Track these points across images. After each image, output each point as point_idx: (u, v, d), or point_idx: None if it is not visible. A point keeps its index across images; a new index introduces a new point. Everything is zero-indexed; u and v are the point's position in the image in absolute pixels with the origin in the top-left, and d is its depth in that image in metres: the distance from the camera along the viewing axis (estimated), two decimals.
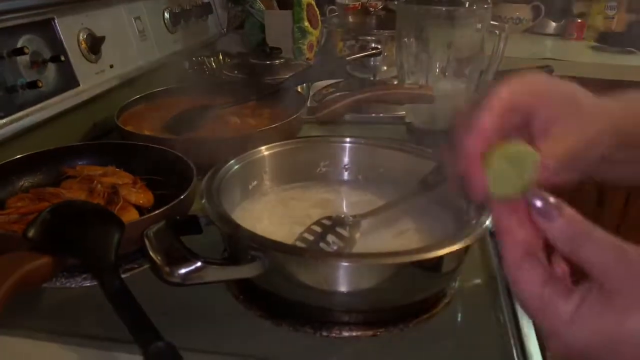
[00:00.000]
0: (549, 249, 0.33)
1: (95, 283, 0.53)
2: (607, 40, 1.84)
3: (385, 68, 1.28)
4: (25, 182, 0.71)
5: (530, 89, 0.38)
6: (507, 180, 0.33)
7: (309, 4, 1.33)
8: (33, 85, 0.79)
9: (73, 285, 0.57)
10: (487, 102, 0.37)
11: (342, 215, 0.57)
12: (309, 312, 0.51)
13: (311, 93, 1.18)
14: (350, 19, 1.41)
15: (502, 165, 0.33)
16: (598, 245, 0.30)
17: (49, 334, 0.50)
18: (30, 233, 0.51)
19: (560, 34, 2.07)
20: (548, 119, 0.38)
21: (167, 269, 0.43)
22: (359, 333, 0.50)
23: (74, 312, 0.54)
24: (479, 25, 0.88)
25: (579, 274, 0.32)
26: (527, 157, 0.33)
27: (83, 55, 0.93)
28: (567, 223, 0.31)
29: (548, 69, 1.24)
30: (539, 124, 0.38)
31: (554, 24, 2.09)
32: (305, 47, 1.35)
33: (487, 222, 0.50)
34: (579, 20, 2.02)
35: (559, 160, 0.36)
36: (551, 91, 0.38)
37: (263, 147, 0.66)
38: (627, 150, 0.42)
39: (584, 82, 0.39)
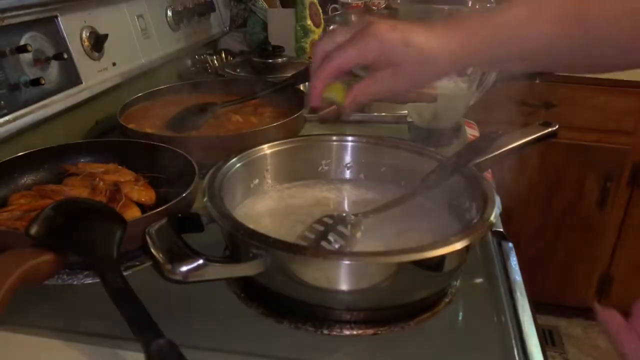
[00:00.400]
0: None
1: (98, 280, 0.53)
2: None
3: None
4: (27, 180, 0.71)
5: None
6: (333, 93, 0.52)
7: (311, 3, 1.33)
8: (36, 82, 0.79)
9: (75, 283, 0.57)
10: (335, 59, 0.49)
11: (344, 214, 0.57)
12: (310, 310, 0.51)
13: None
14: (353, 17, 1.41)
15: (331, 87, 0.52)
16: None
17: (51, 331, 0.50)
18: (33, 230, 0.51)
19: None
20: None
21: (168, 266, 0.44)
22: (360, 332, 0.50)
23: (76, 309, 0.54)
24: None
25: None
26: (344, 86, 0.52)
27: (86, 53, 0.93)
28: None
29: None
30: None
31: None
32: (307, 45, 1.35)
33: (491, 218, 0.50)
34: None
35: (366, 97, 0.52)
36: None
37: (265, 146, 0.66)
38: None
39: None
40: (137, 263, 0.60)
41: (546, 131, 0.69)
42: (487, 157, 0.66)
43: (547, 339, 1.93)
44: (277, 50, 1.22)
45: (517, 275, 0.60)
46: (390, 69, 0.49)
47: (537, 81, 1.30)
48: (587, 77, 1.59)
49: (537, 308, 0.55)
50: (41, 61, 0.82)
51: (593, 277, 1.87)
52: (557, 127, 0.70)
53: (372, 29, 0.48)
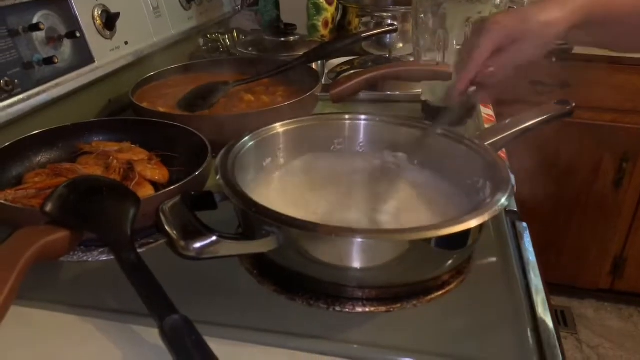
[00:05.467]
0: None
1: (112, 257, 0.54)
2: None
3: (401, 45, 1.26)
4: (42, 158, 0.72)
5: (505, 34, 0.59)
6: None
7: None
8: (49, 61, 0.79)
9: (90, 259, 0.58)
10: (475, 53, 0.59)
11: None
12: (323, 288, 0.51)
13: (326, 70, 1.17)
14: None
15: None
16: None
17: (66, 307, 0.51)
18: (48, 207, 0.52)
19: None
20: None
21: (182, 243, 0.44)
22: (372, 309, 0.50)
23: (91, 286, 0.55)
24: (498, 1, 0.86)
25: None
26: None
27: (98, 31, 0.93)
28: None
29: (567, 47, 1.22)
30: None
31: None
32: (320, 23, 1.34)
33: (503, 200, 0.50)
34: None
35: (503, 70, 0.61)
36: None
37: (277, 124, 0.66)
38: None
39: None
40: (151, 241, 0.60)
41: (562, 109, 0.68)
42: (502, 135, 0.65)
43: (559, 319, 1.93)
44: (289, 29, 1.21)
45: (530, 256, 0.59)
46: (516, 44, 0.59)
47: (554, 60, 1.28)
48: (604, 56, 1.56)
49: (549, 289, 0.55)
50: (54, 40, 0.82)
51: (607, 259, 1.86)
52: (573, 105, 0.69)
53: (492, 20, 0.60)
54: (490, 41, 0.59)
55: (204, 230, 0.45)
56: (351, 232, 0.45)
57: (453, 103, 0.64)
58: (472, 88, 0.63)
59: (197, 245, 0.43)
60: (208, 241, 0.44)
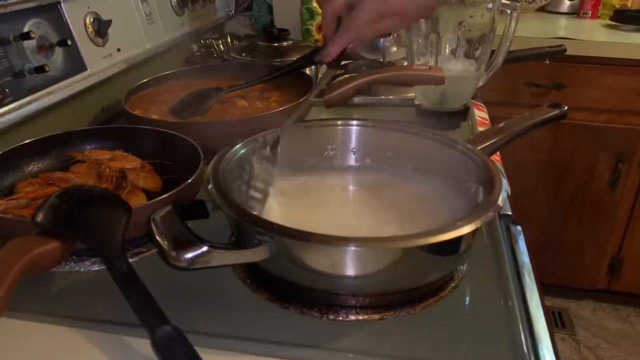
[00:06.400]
0: None
1: (104, 267, 0.54)
2: (622, 18, 1.80)
3: (394, 49, 1.26)
4: (34, 167, 0.71)
5: None
6: None
7: None
8: (40, 69, 0.79)
9: (81, 270, 0.57)
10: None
11: None
12: (316, 296, 0.51)
13: (319, 75, 1.17)
14: None
15: None
16: None
17: (57, 318, 0.50)
18: (39, 218, 0.51)
19: (574, 12, 2.02)
20: None
21: (173, 253, 0.43)
22: (365, 317, 0.50)
23: (83, 296, 0.54)
24: (490, 5, 0.86)
25: None
26: None
27: (90, 39, 0.93)
28: None
29: (561, 48, 1.22)
30: None
31: (567, 2, 2.04)
32: (313, 28, 1.34)
33: (496, 205, 0.49)
34: None
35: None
36: None
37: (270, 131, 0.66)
38: None
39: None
40: (144, 250, 0.60)
41: (555, 113, 0.68)
42: (494, 139, 0.65)
43: (556, 321, 1.93)
44: (283, 34, 1.21)
45: (525, 258, 0.59)
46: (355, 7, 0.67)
47: (547, 61, 1.28)
48: (598, 57, 1.57)
49: (546, 290, 0.55)
50: (45, 48, 0.82)
51: (603, 259, 1.86)
52: (566, 108, 0.69)
53: None
54: (328, 11, 0.69)
55: (195, 240, 0.44)
56: (345, 241, 0.45)
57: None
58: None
59: (189, 255, 0.43)
60: (199, 251, 0.43)
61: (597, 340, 1.85)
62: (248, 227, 0.48)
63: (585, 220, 1.81)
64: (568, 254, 1.88)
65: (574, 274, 1.92)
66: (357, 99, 1.01)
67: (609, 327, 1.91)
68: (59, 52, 0.85)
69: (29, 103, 0.78)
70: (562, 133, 1.70)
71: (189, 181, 0.60)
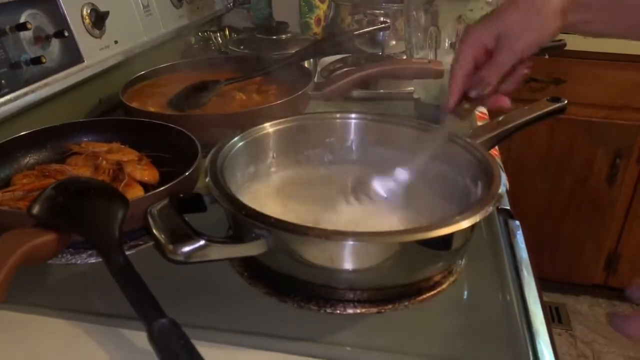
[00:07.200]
0: None
1: (100, 260, 0.53)
2: None
3: (393, 42, 1.26)
4: (30, 159, 0.71)
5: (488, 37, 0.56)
6: None
7: None
8: (37, 61, 0.78)
9: (78, 262, 0.57)
10: (455, 69, 0.57)
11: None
12: (314, 290, 0.51)
13: (318, 68, 1.16)
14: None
15: None
16: None
17: (54, 310, 0.50)
18: (35, 210, 0.51)
19: None
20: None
21: (170, 247, 0.43)
22: (363, 310, 0.50)
23: (79, 289, 0.54)
24: None
25: None
26: None
27: (87, 30, 0.92)
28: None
29: (561, 43, 1.22)
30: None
31: None
32: (312, 21, 1.33)
33: (494, 199, 0.49)
34: None
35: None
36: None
37: (267, 124, 0.65)
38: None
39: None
40: (141, 242, 0.60)
41: (555, 106, 0.68)
42: (494, 133, 0.65)
43: (553, 316, 1.94)
44: (282, 26, 1.20)
45: (523, 253, 0.59)
46: (501, 38, 0.55)
47: (546, 56, 1.28)
48: (596, 53, 1.56)
49: (544, 285, 0.55)
50: (42, 39, 0.81)
51: (601, 255, 1.87)
52: (566, 102, 0.68)
53: (467, 30, 0.57)
54: (467, 49, 0.56)
55: (192, 234, 0.44)
56: (342, 235, 0.45)
57: (444, 119, 0.62)
58: (466, 105, 0.59)
59: (186, 249, 0.43)
60: (196, 245, 0.43)
61: (593, 336, 1.86)
62: (246, 221, 0.48)
63: (582, 215, 1.81)
64: (565, 250, 1.88)
65: (571, 270, 1.92)
66: (356, 93, 1.01)
67: (606, 322, 1.91)
68: (55, 43, 0.84)
69: (25, 94, 0.77)
70: (560, 128, 1.69)
71: (187, 174, 0.60)
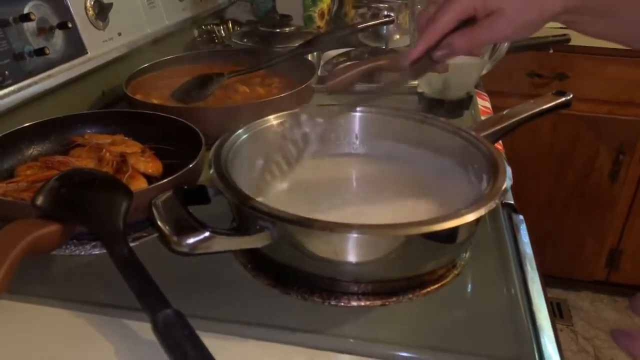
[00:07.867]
0: None
1: (105, 251, 0.53)
2: None
3: (397, 36, 1.25)
4: (34, 150, 0.71)
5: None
6: None
7: None
8: (40, 52, 0.78)
9: (82, 253, 0.57)
10: (439, 18, 0.51)
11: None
12: (318, 282, 0.51)
13: (322, 62, 1.16)
14: None
15: None
16: None
17: (58, 301, 0.50)
18: (39, 201, 0.51)
19: None
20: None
21: (174, 238, 0.43)
22: (367, 303, 0.50)
23: (83, 280, 0.54)
24: None
25: None
26: None
27: (90, 22, 0.91)
28: None
29: (565, 38, 1.21)
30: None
31: None
32: (316, 14, 1.33)
33: (500, 193, 0.49)
34: None
35: (471, 46, 0.51)
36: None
37: (271, 117, 0.65)
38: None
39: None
40: (145, 234, 0.60)
41: (560, 100, 0.68)
42: (498, 127, 0.64)
43: (555, 311, 1.94)
44: (285, 19, 1.20)
45: (527, 248, 0.59)
46: (493, 15, 0.49)
47: (551, 51, 1.27)
48: (600, 48, 1.55)
49: (545, 281, 0.55)
50: (45, 30, 0.81)
51: (603, 251, 1.86)
52: (571, 96, 0.68)
53: None
54: (460, 8, 0.50)
55: (196, 226, 0.44)
56: (347, 227, 0.45)
57: (403, 69, 0.56)
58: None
59: (190, 240, 0.43)
60: (201, 237, 0.43)
61: (595, 331, 1.86)
62: (250, 213, 0.48)
63: (584, 211, 1.81)
64: (567, 245, 1.88)
65: (573, 265, 1.92)
66: (359, 86, 1.01)
67: (607, 318, 1.91)
68: (59, 34, 0.84)
69: (29, 86, 0.77)
70: (563, 124, 1.69)
71: (190, 166, 0.60)
